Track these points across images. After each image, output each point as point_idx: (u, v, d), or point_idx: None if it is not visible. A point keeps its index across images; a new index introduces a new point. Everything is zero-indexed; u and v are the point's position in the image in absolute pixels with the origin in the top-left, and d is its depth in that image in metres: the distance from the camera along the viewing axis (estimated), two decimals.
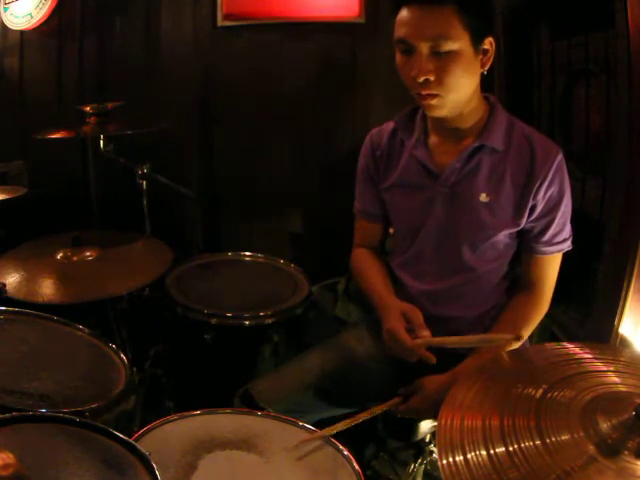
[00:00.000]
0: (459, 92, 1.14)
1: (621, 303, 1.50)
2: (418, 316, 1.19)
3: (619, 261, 1.51)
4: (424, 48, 1.09)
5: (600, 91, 1.69)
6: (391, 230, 1.45)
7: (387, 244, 1.48)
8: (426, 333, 1.16)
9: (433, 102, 1.14)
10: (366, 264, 1.41)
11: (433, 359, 1.15)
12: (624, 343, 1.50)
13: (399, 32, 1.12)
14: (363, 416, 1.16)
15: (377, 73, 2.40)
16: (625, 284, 1.47)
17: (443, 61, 1.09)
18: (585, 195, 1.78)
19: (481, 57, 1.14)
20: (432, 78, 1.10)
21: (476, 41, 1.11)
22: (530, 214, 1.22)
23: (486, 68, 1.16)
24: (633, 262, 1.45)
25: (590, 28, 1.70)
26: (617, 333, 1.52)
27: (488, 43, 1.14)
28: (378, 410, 1.19)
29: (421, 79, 1.11)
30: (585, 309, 1.78)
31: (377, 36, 2.35)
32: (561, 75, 1.95)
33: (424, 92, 1.13)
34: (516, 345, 1.23)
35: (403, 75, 1.16)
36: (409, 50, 1.12)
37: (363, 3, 2.35)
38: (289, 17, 2.39)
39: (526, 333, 1.27)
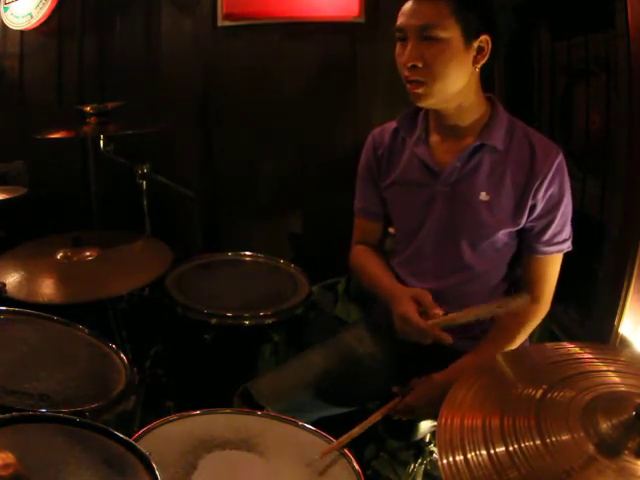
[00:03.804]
0: (445, 82, 1.15)
1: (621, 303, 1.50)
2: (428, 297, 1.18)
3: (619, 261, 1.51)
4: (414, 34, 1.13)
5: (600, 91, 1.70)
6: (391, 230, 1.45)
7: (388, 244, 1.48)
8: (438, 312, 1.15)
9: (419, 91, 1.16)
10: (366, 259, 1.41)
11: (449, 338, 1.13)
12: (624, 343, 1.50)
13: (398, 21, 1.16)
14: (373, 419, 1.16)
15: (377, 73, 2.40)
16: (625, 284, 1.47)
17: (432, 48, 1.12)
18: (585, 195, 1.78)
19: (474, 54, 1.15)
20: (420, 64, 1.13)
21: (468, 36, 1.13)
22: (530, 213, 1.22)
23: (479, 65, 1.17)
24: (633, 262, 1.45)
25: (590, 28, 1.70)
26: (617, 333, 1.52)
27: (484, 41, 1.15)
28: (384, 411, 1.19)
29: (409, 64, 1.14)
30: (585, 309, 1.78)
31: (377, 36, 2.36)
32: (561, 75, 1.95)
33: (411, 77, 1.15)
34: (518, 341, 1.25)
35: (398, 64, 1.19)
36: (403, 38, 1.16)
37: (363, 3, 2.35)
38: (289, 17, 2.39)
39: (525, 334, 1.27)
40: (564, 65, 1.91)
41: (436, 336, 1.14)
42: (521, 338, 1.26)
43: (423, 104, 1.21)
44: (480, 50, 1.15)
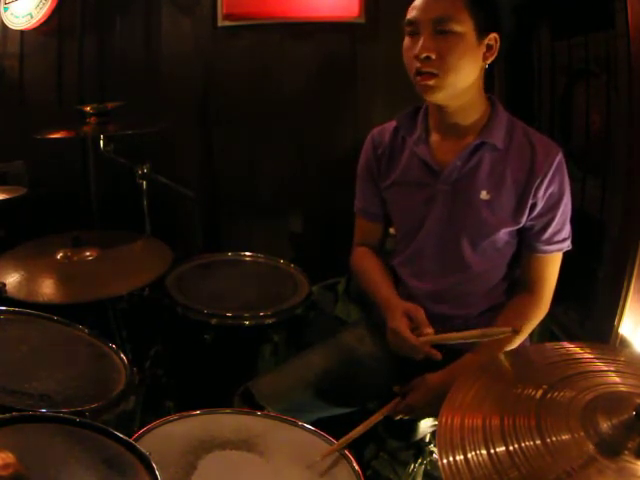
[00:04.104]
0: (458, 76, 1.14)
1: (621, 303, 1.50)
2: (421, 314, 1.20)
3: (619, 261, 1.51)
4: (429, 27, 1.13)
5: (600, 91, 1.70)
6: (392, 230, 1.45)
7: (388, 244, 1.48)
8: (429, 330, 1.17)
9: (431, 82, 1.14)
10: (367, 263, 1.41)
11: (439, 355, 1.16)
12: (624, 343, 1.50)
13: (409, 15, 1.16)
14: (374, 419, 1.16)
15: (377, 73, 2.40)
16: (625, 284, 1.47)
17: (446, 41, 1.12)
18: (585, 195, 1.78)
19: (484, 50, 1.16)
20: (433, 56, 1.12)
21: (480, 31, 1.14)
22: (530, 212, 1.22)
23: (488, 62, 1.18)
24: (633, 262, 1.45)
25: (590, 28, 1.70)
26: (617, 333, 1.52)
27: (493, 39, 1.16)
28: (385, 412, 1.19)
29: (423, 55, 1.13)
30: (585, 309, 1.78)
31: (377, 36, 2.36)
32: (561, 75, 1.95)
33: (424, 69, 1.14)
34: (517, 340, 1.24)
35: (406, 58, 1.18)
36: (415, 32, 1.15)
37: (363, 3, 2.35)
38: (289, 17, 2.39)
39: (524, 334, 1.28)
40: (564, 65, 1.91)
41: (426, 353, 1.16)
42: (521, 338, 1.26)
43: (432, 97, 1.19)
44: (489, 48, 1.16)
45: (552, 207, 1.22)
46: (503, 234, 1.24)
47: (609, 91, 1.63)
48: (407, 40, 1.18)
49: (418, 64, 1.15)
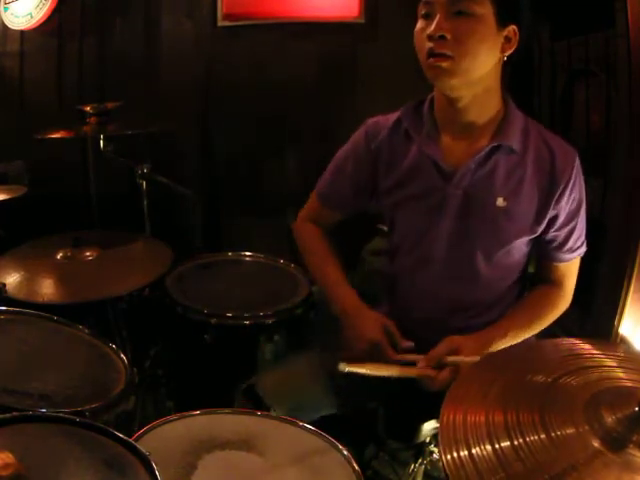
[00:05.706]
0: (473, 61, 1.05)
1: (621, 303, 1.50)
2: (395, 329, 1.16)
3: (619, 261, 1.51)
4: (444, 7, 1.03)
5: (600, 91, 1.70)
6: (384, 227, 1.40)
7: (378, 243, 1.45)
8: (409, 344, 1.14)
9: (444, 64, 1.04)
10: (320, 246, 1.36)
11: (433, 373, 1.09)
12: (624, 343, 1.50)
13: None
14: (404, 372, 1.12)
15: (377, 73, 2.39)
16: (625, 284, 1.48)
17: (463, 22, 1.03)
18: (585, 195, 1.78)
19: (502, 42, 1.08)
20: (449, 36, 1.03)
21: (500, 19, 1.05)
22: (552, 223, 1.17)
23: (506, 54, 1.10)
24: (633, 262, 1.46)
25: (590, 28, 1.70)
26: (617, 333, 1.52)
27: (512, 31, 1.07)
28: (413, 373, 1.12)
29: (437, 34, 1.03)
30: (585, 309, 1.78)
31: (377, 36, 2.35)
32: (561, 75, 1.95)
33: (437, 50, 1.04)
34: (555, 316, 1.25)
35: (418, 41, 1.09)
36: (430, 13, 1.06)
37: (363, 3, 2.35)
38: (289, 17, 2.40)
39: (549, 321, 1.24)
40: (564, 65, 1.91)
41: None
42: (548, 320, 1.23)
43: (443, 83, 1.09)
44: (507, 40, 1.08)
45: (575, 213, 1.18)
46: (520, 243, 1.17)
47: (609, 91, 1.64)
48: (420, 22, 1.08)
49: (431, 44, 1.04)
